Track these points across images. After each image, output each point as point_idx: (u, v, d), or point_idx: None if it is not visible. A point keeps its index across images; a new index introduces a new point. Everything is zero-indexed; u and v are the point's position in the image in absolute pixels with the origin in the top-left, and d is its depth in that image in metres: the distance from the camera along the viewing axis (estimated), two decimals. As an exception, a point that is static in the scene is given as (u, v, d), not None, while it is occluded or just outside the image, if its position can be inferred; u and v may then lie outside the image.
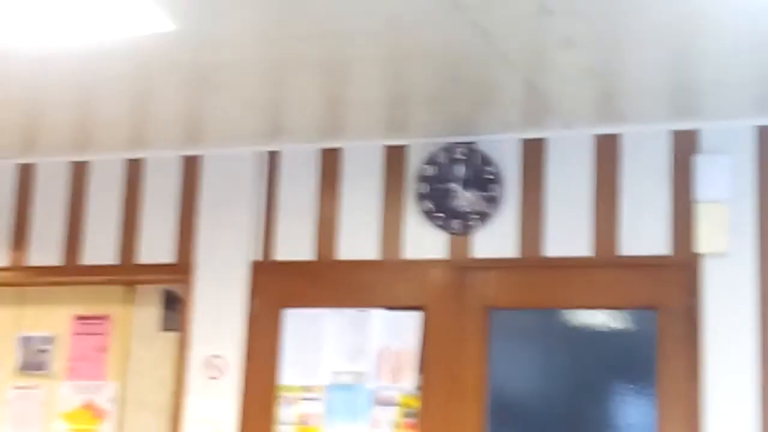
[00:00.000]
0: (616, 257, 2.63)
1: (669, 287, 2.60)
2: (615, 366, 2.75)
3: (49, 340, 3.20)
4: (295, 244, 2.92)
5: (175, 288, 3.11)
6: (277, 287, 2.92)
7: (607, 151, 2.67)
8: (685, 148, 2.57)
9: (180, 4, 1.82)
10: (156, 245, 3.03)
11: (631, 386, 2.73)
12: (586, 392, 2.74)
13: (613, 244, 2.62)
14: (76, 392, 3.12)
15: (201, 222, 3.00)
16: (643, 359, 2.67)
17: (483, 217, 2.67)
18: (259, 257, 2.93)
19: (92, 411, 3.07)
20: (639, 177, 2.62)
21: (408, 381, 2.67)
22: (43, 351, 3.18)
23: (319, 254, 2.87)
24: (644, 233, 2.62)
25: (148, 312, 3.17)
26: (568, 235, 2.66)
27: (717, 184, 2.44)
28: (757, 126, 2.52)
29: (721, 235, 2.43)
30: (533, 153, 2.73)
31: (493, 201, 2.66)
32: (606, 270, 2.68)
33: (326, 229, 2.88)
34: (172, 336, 3.08)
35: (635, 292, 2.66)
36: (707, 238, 2.43)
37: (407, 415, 2.64)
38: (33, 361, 3.19)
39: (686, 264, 2.55)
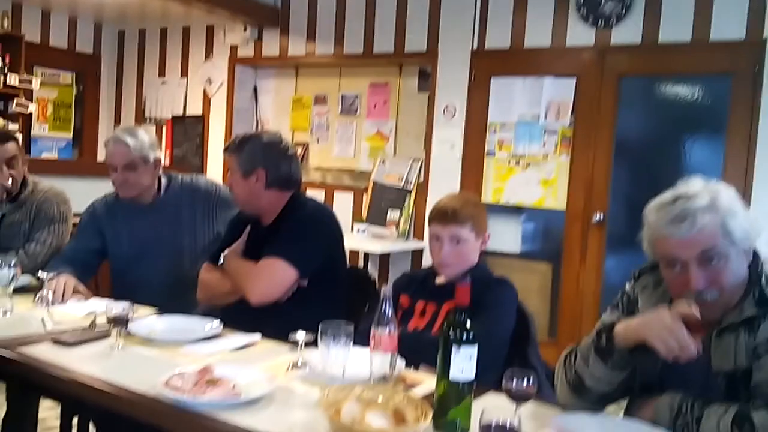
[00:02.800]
0: (707, 41, 3.71)
1: (742, 61, 3.67)
2: (697, 120, 3.87)
3: (356, 96, 4.99)
4: (497, 38, 4.30)
5: (426, 66, 4.62)
6: (487, 65, 4.35)
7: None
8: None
9: None
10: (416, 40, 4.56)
11: (706, 136, 3.84)
12: (678, 139, 3.88)
13: (706, 30, 3.70)
14: (372, 126, 4.94)
15: (442, 22, 4.45)
16: (718, 116, 3.73)
17: (618, 17, 3.88)
18: (475, 47, 4.37)
19: (381, 136, 4.92)
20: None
21: (566, 119, 4.12)
22: (352, 103, 5.02)
23: (512, 43, 4.26)
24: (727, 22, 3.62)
25: (411, 81, 4.79)
26: (674, 27, 3.77)
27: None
28: None
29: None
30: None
31: (626, 7, 3.85)
32: (699, 49, 3.79)
33: (518, 27, 4.24)
34: (424, 95, 4.65)
35: (717, 64, 3.75)
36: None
37: (564, 139, 4.14)
38: (348, 108, 5.05)
39: (756, 44, 3.60)
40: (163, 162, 2.64)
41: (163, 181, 2.63)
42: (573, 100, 4.07)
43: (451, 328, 1.36)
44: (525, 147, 4.24)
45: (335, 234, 2.31)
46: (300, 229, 2.20)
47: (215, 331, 1.94)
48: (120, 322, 1.80)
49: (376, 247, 4.33)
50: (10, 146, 2.65)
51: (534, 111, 4.18)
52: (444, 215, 2.01)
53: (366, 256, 4.71)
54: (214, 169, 5.49)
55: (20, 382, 2.36)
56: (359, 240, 4.42)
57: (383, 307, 1.55)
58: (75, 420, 2.57)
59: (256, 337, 1.92)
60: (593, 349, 1.46)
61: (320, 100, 5.20)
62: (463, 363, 1.34)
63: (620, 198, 4.01)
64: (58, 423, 2.70)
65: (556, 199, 4.14)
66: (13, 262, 2.09)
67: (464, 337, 1.35)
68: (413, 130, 4.77)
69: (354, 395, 1.36)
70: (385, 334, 1.55)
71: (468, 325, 1.36)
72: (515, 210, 4.31)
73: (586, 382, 1.47)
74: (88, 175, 4.59)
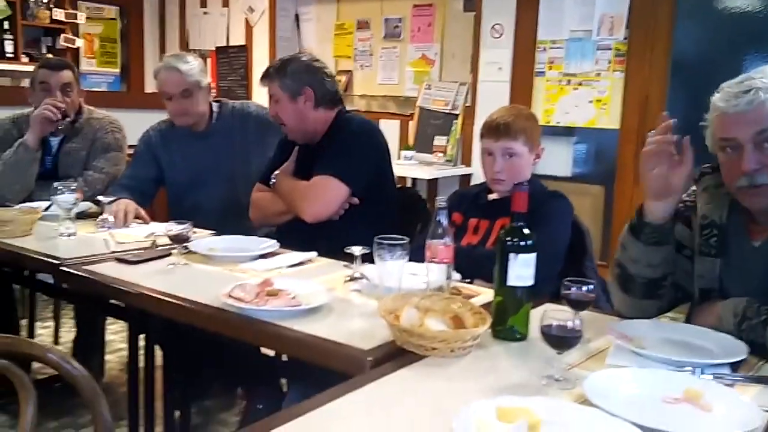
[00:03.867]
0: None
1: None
2: (761, 35, 3.60)
3: (400, 20, 4.88)
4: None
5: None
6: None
7: None
8: None
9: None
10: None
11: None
12: (740, 55, 3.61)
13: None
14: (416, 50, 4.83)
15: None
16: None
17: None
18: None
19: (426, 60, 4.82)
20: None
21: (619, 34, 3.95)
22: (396, 27, 4.91)
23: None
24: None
25: (456, 1, 4.62)
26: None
27: None
28: None
29: None
30: None
31: None
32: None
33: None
34: (470, 15, 4.49)
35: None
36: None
37: (617, 55, 3.98)
38: (391, 33, 4.94)
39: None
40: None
41: (215, 107, 2.64)
42: (628, 12, 3.88)
43: (509, 235, 1.35)
44: (576, 65, 4.08)
45: (383, 147, 2.30)
46: (349, 145, 2.19)
47: (272, 248, 1.98)
48: (181, 240, 1.85)
49: (424, 174, 4.31)
50: (66, 73, 2.69)
51: (586, 26, 4.01)
52: (496, 129, 1.97)
53: (413, 182, 4.69)
54: (259, 101, 5.47)
55: (89, 303, 2.48)
56: (407, 167, 4.40)
57: (439, 218, 1.55)
58: (141, 343, 2.70)
59: (312, 254, 1.95)
60: (628, 230, 1.50)
61: (363, 25, 5.08)
62: (521, 270, 1.34)
63: (677, 117, 3.81)
64: (123, 345, 2.84)
65: (609, 119, 4.01)
66: (74, 187, 2.16)
67: (522, 244, 1.34)
68: (459, 53, 4.64)
69: (412, 303, 1.38)
70: (441, 245, 1.55)
71: (526, 231, 1.35)
72: (566, 131, 4.20)
73: (629, 269, 1.50)
74: (136, 107, 4.65)
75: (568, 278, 1.38)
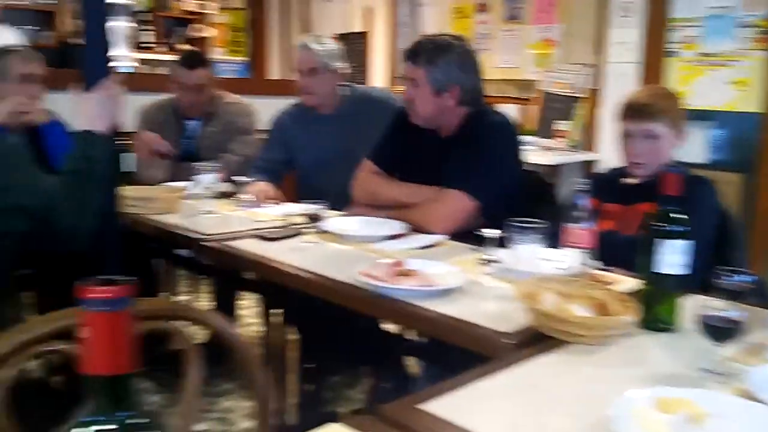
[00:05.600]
0: None
1: None
2: None
3: (520, 1, 4.76)
4: None
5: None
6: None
7: None
8: None
9: None
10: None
11: None
12: None
13: None
14: (537, 32, 4.68)
15: None
16: None
17: None
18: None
19: (548, 42, 4.66)
20: None
21: (762, 9, 3.64)
22: (516, 8, 4.77)
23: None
24: None
25: None
26: None
27: None
28: None
29: None
30: None
31: None
32: None
33: None
34: None
35: None
36: None
37: (760, 33, 3.68)
38: (512, 14, 4.81)
39: None
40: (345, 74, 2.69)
41: (343, 92, 2.69)
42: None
43: (660, 220, 1.29)
44: (714, 44, 3.82)
45: (518, 149, 2.20)
46: (487, 153, 2.07)
47: (403, 230, 2.00)
48: (316, 219, 1.91)
49: (545, 160, 4.18)
50: (199, 72, 2.83)
51: (725, 2, 3.74)
52: (635, 110, 1.88)
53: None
54: (378, 86, 5.54)
55: (227, 277, 2.61)
56: (527, 153, 4.29)
57: (578, 201, 1.50)
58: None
59: (443, 236, 1.95)
60: None
61: (482, 7, 4.98)
62: (673, 257, 1.27)
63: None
64: (253, 320, 2.98)
65: (751, 101, 3.73)
66: (214, 168, 2.28)
67: (674, 230, 1.27)
68: (583, 34, 4.43)
69: (550, 288, 1.34)
70: (581, 228, 1.50)
71: (678, 216, 1.28)
72: (702, 115, 3.94)
73: None
74: (261, 93, 4.83)
75: (720, 267, 1.30)
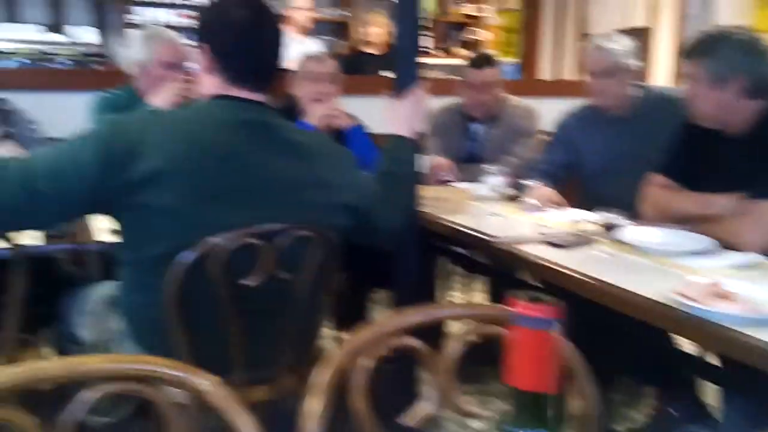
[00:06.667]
0: None
1: None
2: None
3: None
4: None
5: None
6: None
7: None
8: None
9: None
10: None
11: None
12: None
13: None
14: None
15: None
16: None
17: None
18: None
19: None
20: None
21: None
22: None
23: None
24: None
25: None
26: None
27: None
28: None
29: None
30: None
31: None
32: None
33: None
34: None
35: None
36: None
37: None
38: None
39: None
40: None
41: (638, 92, 2.55)
42: None
43: None
44: None
45: None
46: None
47: (712, 247, 1.82)
48: (610, 228, 1.83)
49: None
50: (487, 72, 2.89)
51: None
52: None
53: None
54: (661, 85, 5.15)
55: (506, 276, 2.63)
56: None
57: None
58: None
59: (760, 257, 1.74)
60: None
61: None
62: None
63: None
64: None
65: None
66: (502, 171, 2.31)
67: None
68: None
69: None
70: None
71: None
72: None
73: None
74: (532, 95, 4.79)
75: None
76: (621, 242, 1.87)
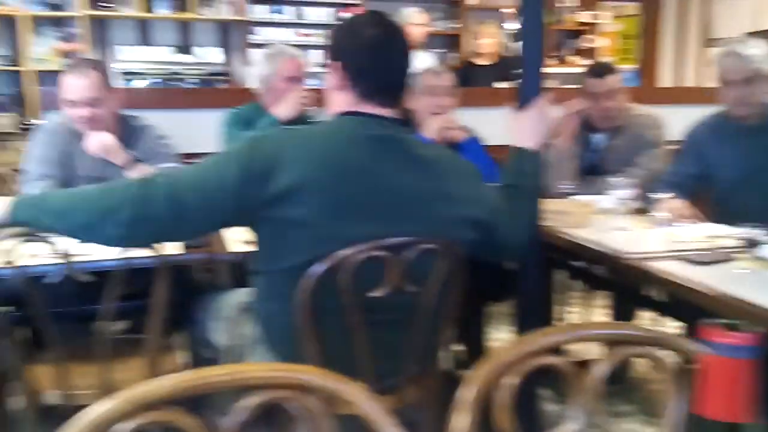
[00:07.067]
0: None
1: None
2: None
3: None
4: None
5: None
6: None
7: None
8: None
9: None
10: None
11: None
12: None
13: None
14: None
15: None
16: None
17: None
18: None
19: None
20: None
21: None
22: None
23: None
24: None
25: None
26: None
27: None
28: None
29: None
30: None
31: None
32: None
33: None
34: None
35: None
36: None
37: None
38: None
39: None
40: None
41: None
42: None
43: None
44: None
45: None
46: None
47: None
48: (753, 244, 1.71)
49: None
50: (608, 80, 2.78)
51: None
52: None
53: None
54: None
55: (630, 292, 2.53)
56: None
57: None
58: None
59: None
60: None
61: None
62: None
63: None
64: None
65: None
66: (627, 183, 2.21)
67: None
68: None
69: None
70: None
71: None
72: None
73: None
74: (651, 102, 4.58)
75: None
76: (765, 260, 1.74)
